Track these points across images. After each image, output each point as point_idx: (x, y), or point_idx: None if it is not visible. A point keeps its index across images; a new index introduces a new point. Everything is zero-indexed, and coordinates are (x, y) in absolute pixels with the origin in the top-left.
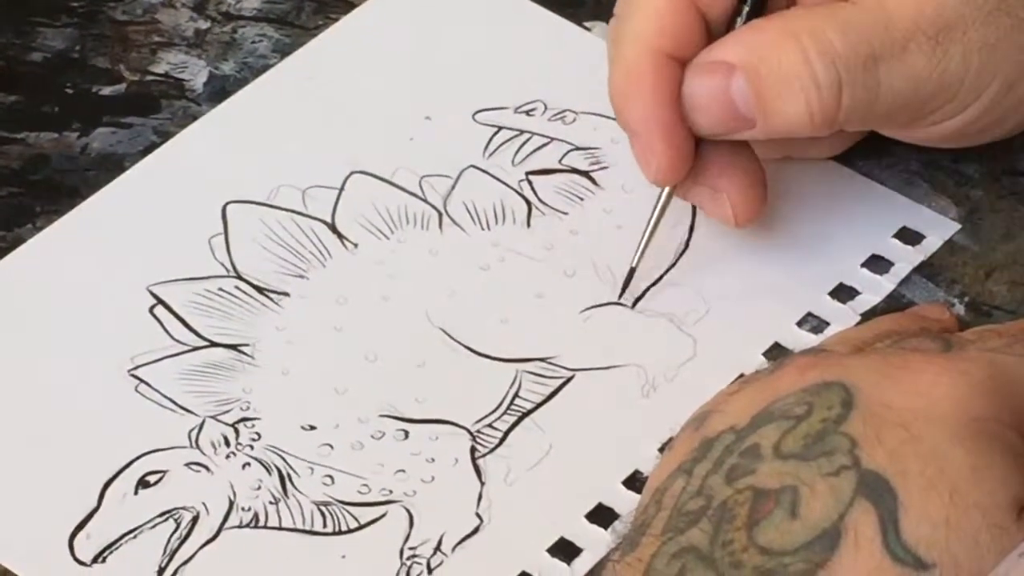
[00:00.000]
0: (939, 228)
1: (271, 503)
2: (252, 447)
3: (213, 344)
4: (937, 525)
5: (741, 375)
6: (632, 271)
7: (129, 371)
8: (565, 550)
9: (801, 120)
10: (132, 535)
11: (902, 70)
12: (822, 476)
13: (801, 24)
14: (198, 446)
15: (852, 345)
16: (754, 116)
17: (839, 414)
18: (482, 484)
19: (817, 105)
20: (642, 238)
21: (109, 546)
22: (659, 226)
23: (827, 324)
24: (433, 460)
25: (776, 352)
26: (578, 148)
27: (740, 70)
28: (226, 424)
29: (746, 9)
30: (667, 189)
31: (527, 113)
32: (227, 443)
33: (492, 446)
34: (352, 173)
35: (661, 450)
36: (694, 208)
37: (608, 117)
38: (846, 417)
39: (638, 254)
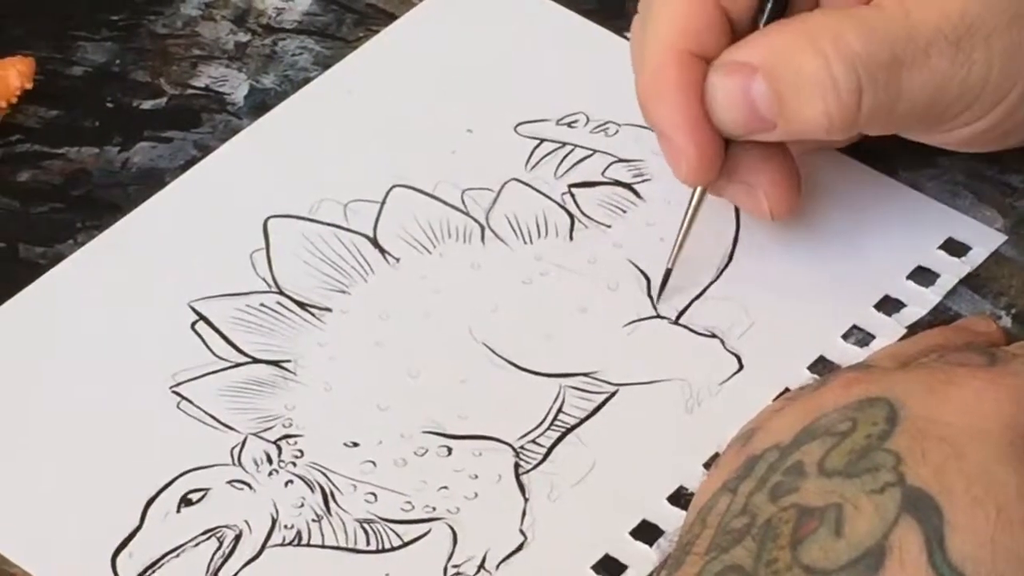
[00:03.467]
0: (985, 239)
1: (314, 521)
2: (295, 464)
3: (255, 360)
4: (983, 544)
5: (786, 389)
6: (668, 272)
7: (171, 388)
8: (609, 567)
9: (819, 123)
10: (175, 554)
11: (924, 75)
12: (866, 493)
13: (822, 27)
14: (240, 464)
15: (898, 360)
16: (774, 118)
17: (883, 430)
18: (526, 500)
19: (836, 109)
20: (677, 238)
21: (152, 565)
22: (692, 227)
23: (872, 337)
24: (477, 476)
25: (821, 366)
26: (621, 160)
27: (761, 72)
28: (268, 441)
29: (768, 8)
30: (699, 189)
31: (569, 125)
32: (270, 460)
33: (536, 462)
34: (394, 187)
35: (707, 466)
36: (737, 221)
37: (651, 129)
38: (890, 433)
39: (673, 255)
